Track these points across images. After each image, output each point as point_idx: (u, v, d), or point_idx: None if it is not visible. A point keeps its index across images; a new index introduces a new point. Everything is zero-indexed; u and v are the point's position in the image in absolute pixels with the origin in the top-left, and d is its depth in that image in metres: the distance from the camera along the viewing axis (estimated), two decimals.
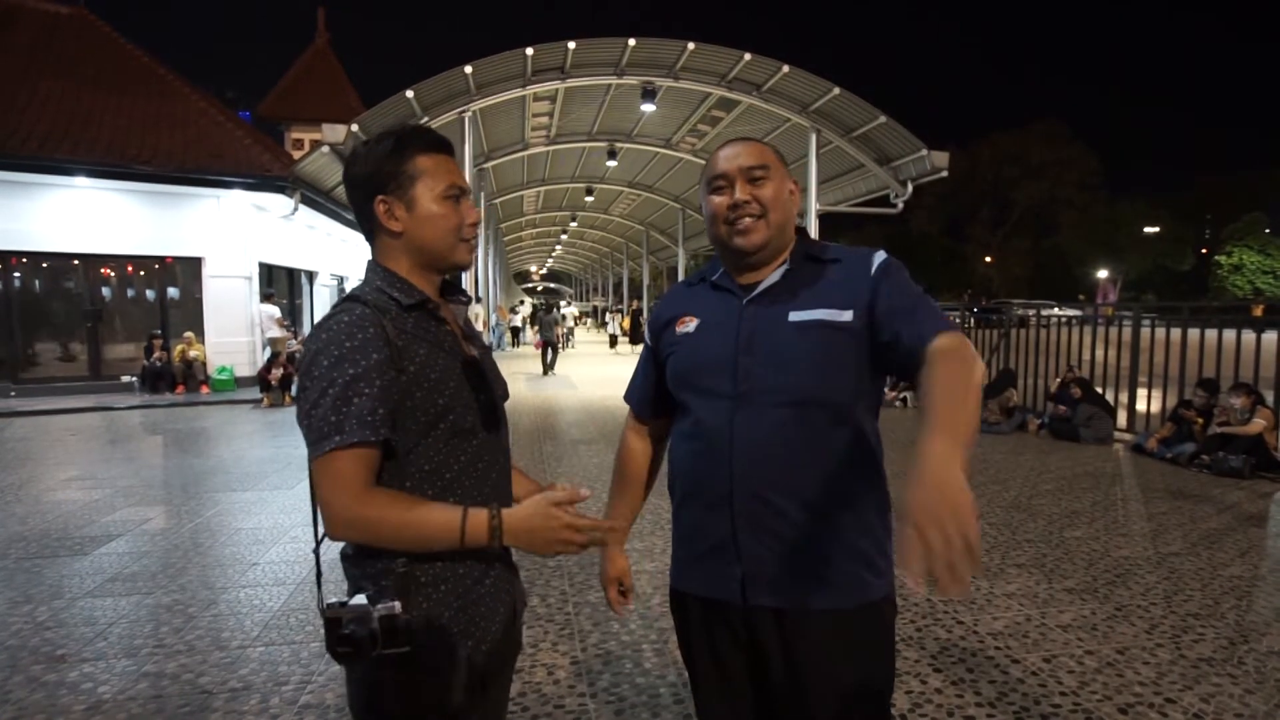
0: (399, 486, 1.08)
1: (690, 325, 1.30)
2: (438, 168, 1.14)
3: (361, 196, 1.14)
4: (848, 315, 1.18)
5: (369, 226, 1.16)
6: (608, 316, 21.16)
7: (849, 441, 1.19)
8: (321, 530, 1.09)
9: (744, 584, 1.20)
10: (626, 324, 21.95)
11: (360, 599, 1.01)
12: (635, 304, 22.28)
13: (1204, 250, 43.28)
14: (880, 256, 1.24)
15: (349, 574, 1.12)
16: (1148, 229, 40.76)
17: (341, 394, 1.01)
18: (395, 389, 1.04)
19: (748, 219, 1.24)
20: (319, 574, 1.17)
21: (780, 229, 1.26)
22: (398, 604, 1.01)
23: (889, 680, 1.23)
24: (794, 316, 1.21)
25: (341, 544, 1.11)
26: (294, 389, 8.74)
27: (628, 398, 1.50)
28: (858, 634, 1.18)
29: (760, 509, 1.18)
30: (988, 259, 49.29)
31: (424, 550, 1.05)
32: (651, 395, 1.42)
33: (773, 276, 1.26)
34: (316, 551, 1.16)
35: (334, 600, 1.03)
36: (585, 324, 39.13)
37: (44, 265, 11.09)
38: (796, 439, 1.17)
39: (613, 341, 22.50)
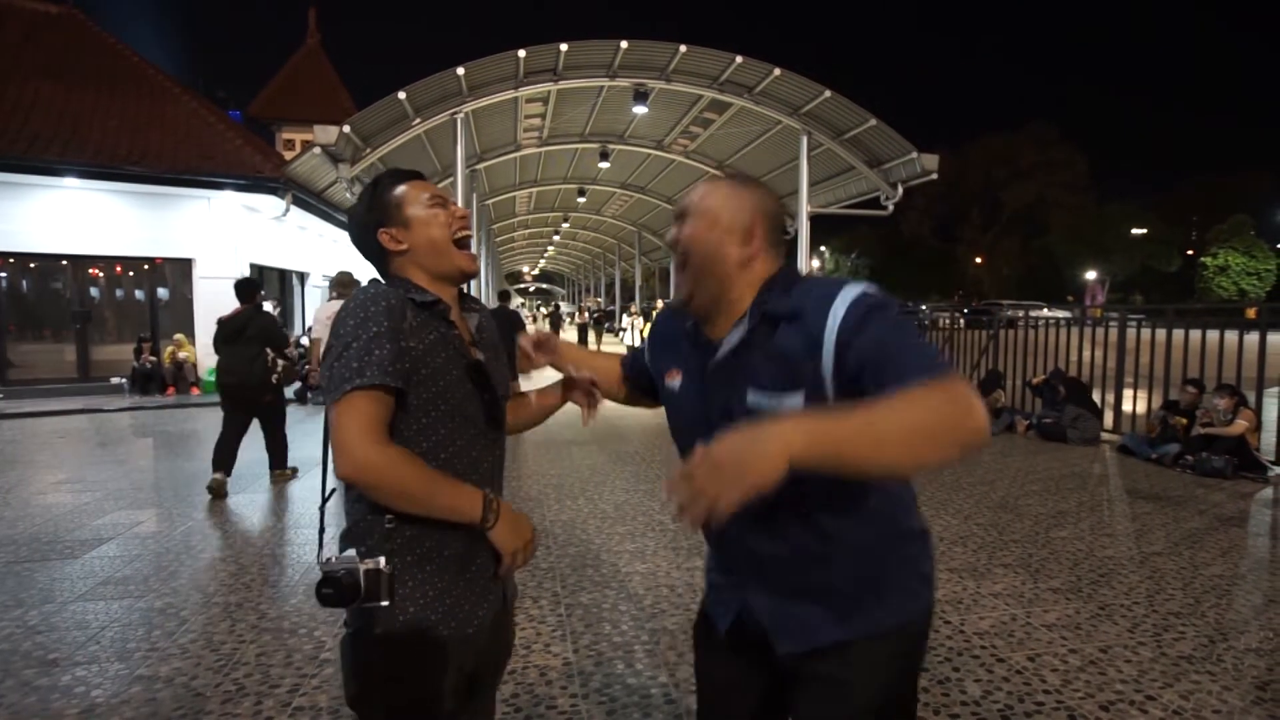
0: None
1: (675, 381, 1.23)
2: (414, 190, 1.29)
3: (369, 236, 1.28)
4: (797, 399, 1.02)
5: (380, 257, 1.29)
6: (625, 319, 16.53)
7: (835, 490, 1.07)
8: (330, 485, 1.23)
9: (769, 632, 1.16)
10: (649, 331, 18.99)
11: (351, 553, 1.13)
12: (661, 307, 19.61)
13: (1190, 252, 43.69)
14: (843, 304, 1.00)
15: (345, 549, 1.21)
16: (1135, 230, 41.12)
17: (365, 346, 1.11)
18: (408, 356, 1.15)
19: (675, 266, 1.16)
20: (321, 529, 1.27)
21: (702, 279, 1.10)
22: (383, 559, 1.12)
23: None
24: (751, 398, 1.07)
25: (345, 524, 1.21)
26: (289, 391, 8.71)
27: (626, 357, 1.50)
28: (842, 673, 1.19)
29: (761, 570, 1.17)
30: (978, 260, 49.62)
31: (420, 511, 1.13)
32: (643, 380, 1.41)
33: (731, 338, 1.10)
34: (322, 509, 1.27)
35: (330, 556, 1.14)
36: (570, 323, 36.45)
37: (32, 266, 11.02)
38: (785, 500, 0.95)
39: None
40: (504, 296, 11.60)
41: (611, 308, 28.53)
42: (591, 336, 21.35)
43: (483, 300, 18.71)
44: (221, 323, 5.33)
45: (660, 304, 15.43)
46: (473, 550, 1.22)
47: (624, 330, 15.30)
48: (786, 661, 1.15)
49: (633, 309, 15.47)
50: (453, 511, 1.15)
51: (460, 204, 12.11)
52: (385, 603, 1.11)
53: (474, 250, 1.35)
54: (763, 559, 1.15)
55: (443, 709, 1.18)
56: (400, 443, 1.15)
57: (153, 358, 10.90)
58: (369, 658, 1.16)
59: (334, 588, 1.08)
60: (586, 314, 22.02)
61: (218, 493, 5.07)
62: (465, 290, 1.38)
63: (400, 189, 1.29)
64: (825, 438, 0.82)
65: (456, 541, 1.20)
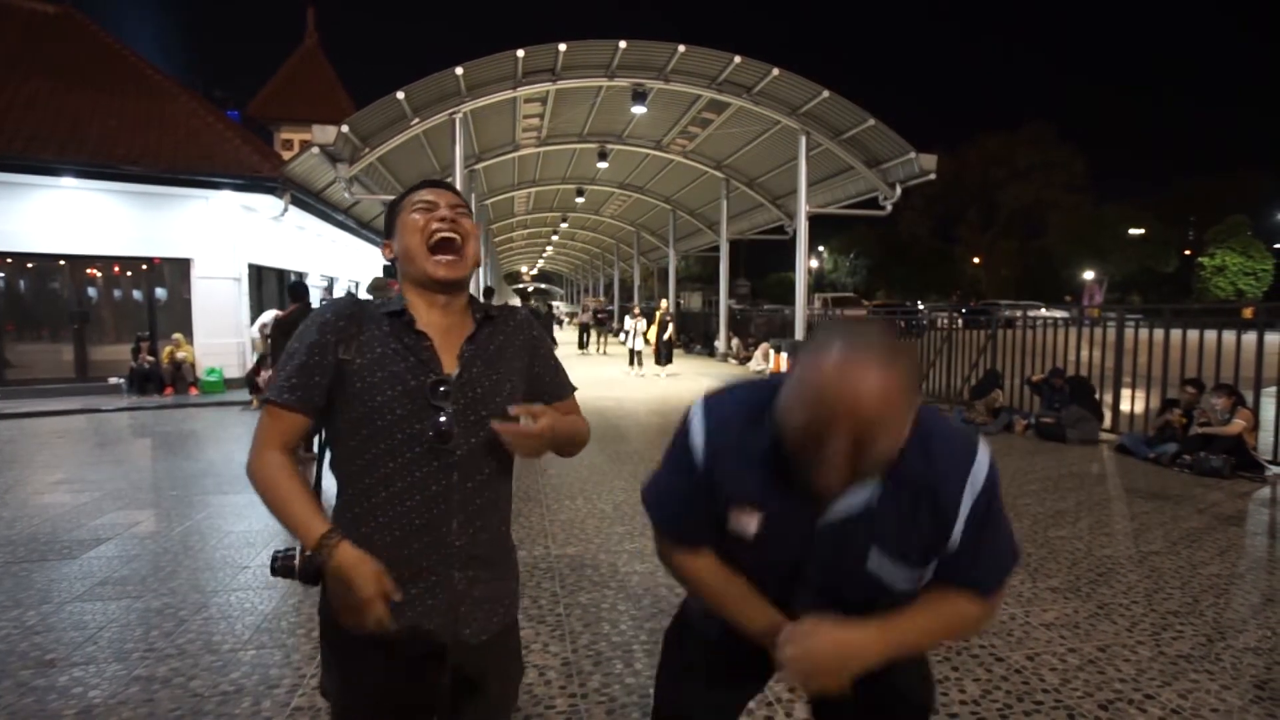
0: (339, 469, 1.24)
1: (750, 523, 1.05)
2: (413, 197, 1.28)
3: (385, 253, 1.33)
4: (929, 572, 1.05)
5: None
6: (627, 321, 14.80)
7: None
8: (313, 476, 1.28)
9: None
10: (653, 334, 14.43)
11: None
12: (664, 306, 15.34)
13: (1188, 252, 43.75)
14: (975, 483, 1.01)
15: None
16: (1133, 231, 41.17)
17: (283, 362, 1.21)
18: (324, 370, 1.18)
19: (829, 460, 0.91)
20: None
21: (875, 468, 0.96)
22: (303, 552, 1.18)
23: None
24: (874, 562, 1.02)
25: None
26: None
27: (673, 529, 1.15)
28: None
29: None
30: (976, 260, 49.66)
31: (279, 522, 1.17)
32: (705, 524, 1.11)
33: (853, 499, 1.00)
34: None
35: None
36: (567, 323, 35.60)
37: (30, 266, 10.99)
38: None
39: (633, 360, 14.22)
40: (489, 294, 11.60)
41: (610, 307, 28.44)
42: (593, 336, 21.17)
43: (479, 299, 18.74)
44: (279, 321, 6.50)
45: (663, 304, 15.16)
46: (408, 551, 1.20)
47: (626, 333, 14.83)
48: None
49: (636, 310, 15.23)
50: (295, 535, 1.15)
51: None
52: (317, 586, 1.18)
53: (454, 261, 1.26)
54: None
55: (371, 698, 1.22)
56: (338, 457, 1.21)
57: (151, 358, 10.88)
58: (324, 653, 1.27)
59: (272, 566, 1.18)
60: (590, 314, 21.72)
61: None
62: (479, 297, 1.37)
63: (405, 198, 1.29)
64: (899, 648, 1.02)
65: (386, 535, 1.19)
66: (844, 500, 1.00)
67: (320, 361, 1.18)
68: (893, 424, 0.92)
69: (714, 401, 1.10)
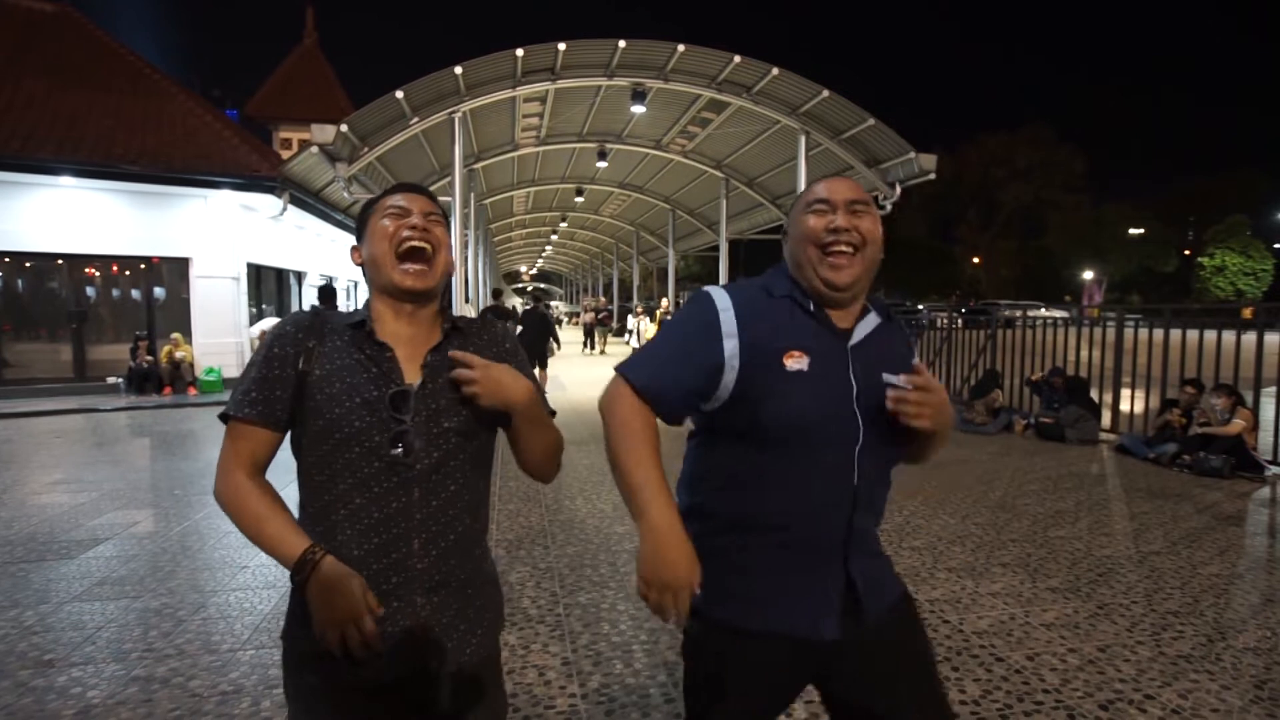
0: (302, 486, 1.19)
1: (801, 363, 1.20)
2: (385, 201, 1.24)
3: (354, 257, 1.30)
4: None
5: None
6: (630, 319, 15.29)
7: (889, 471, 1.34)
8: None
9: (844, 614, 1.25)
10: (654, 333, 15.69)
11: None
12: (665, 305, 15.10)
13: (1187, 252, 43.79)
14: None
15: None
16: (1132, 231, 41.20)
17: (242, 377, 1.19)
18: (285, 383, 1.15)
19: (844, 248, 1.21)
20: None
21: (870, 269, 1.25)
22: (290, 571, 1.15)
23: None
24: (887, 378, 1.22)
25: None
26: None
27: (636, 374, 1.22)
28: (913, 611, 1.36)
29: (864, 541, 1.28)
30: (975, 260, 49.67)
31: (255, 544, 1.15)
32: (691, 402, 1.25)
33: (865, 326, 1.27)
34: None
35: None
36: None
37: (27, 265, 10.98)
38: (887, 485, 1.31)
39: None
40: (497, 295, 11.59)
41: (610, 307, 28.41)
42: (596, 337, 21.16)
43: (482, 300, 18.42)
44: None
45: (664, 303, 15.05)
46: (367, 573, 1.13)
47: (630, 333, 14.67)
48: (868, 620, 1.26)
49: (639, 310, 15.16)
50: (274, 555, 1.12)
51: (457, 204, 12.10)
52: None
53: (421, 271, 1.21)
54: (864, 555, 1.29)
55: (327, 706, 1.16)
56: (303, 468, 1.18)
57: (149, 357, 10.87)
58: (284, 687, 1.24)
59: None
60: (592, 314, 21.66)
61: None
62: (447, 307, 1.29)
63: (377, 202, 1.24)
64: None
65: (345, 555, 1.12)
66: (859, 328, 1.26)
67: (280, 374, 1.15)
68: (873, 212, 1.25)
69: (722, 288, 1.28)
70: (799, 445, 1.19)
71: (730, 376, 1.20)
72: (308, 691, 1.17)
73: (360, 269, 1.27)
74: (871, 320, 1.28)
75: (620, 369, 1.24)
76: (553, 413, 1.30)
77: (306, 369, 1.15)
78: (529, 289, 53.53)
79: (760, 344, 1.20)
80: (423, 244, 1.19)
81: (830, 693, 1.31)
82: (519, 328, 11.34)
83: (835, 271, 1.21)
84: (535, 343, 11.39)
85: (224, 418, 1.17)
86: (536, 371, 11.26)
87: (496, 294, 11.51)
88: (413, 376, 1.17)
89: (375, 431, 1.13)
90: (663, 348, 1.26)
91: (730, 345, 1.20)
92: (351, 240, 1.34)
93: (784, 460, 1.20)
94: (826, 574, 1.23)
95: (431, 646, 1.17)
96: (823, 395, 1.20)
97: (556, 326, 13.10)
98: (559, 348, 14.15)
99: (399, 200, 1.21)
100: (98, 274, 11.37)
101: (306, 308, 1.35)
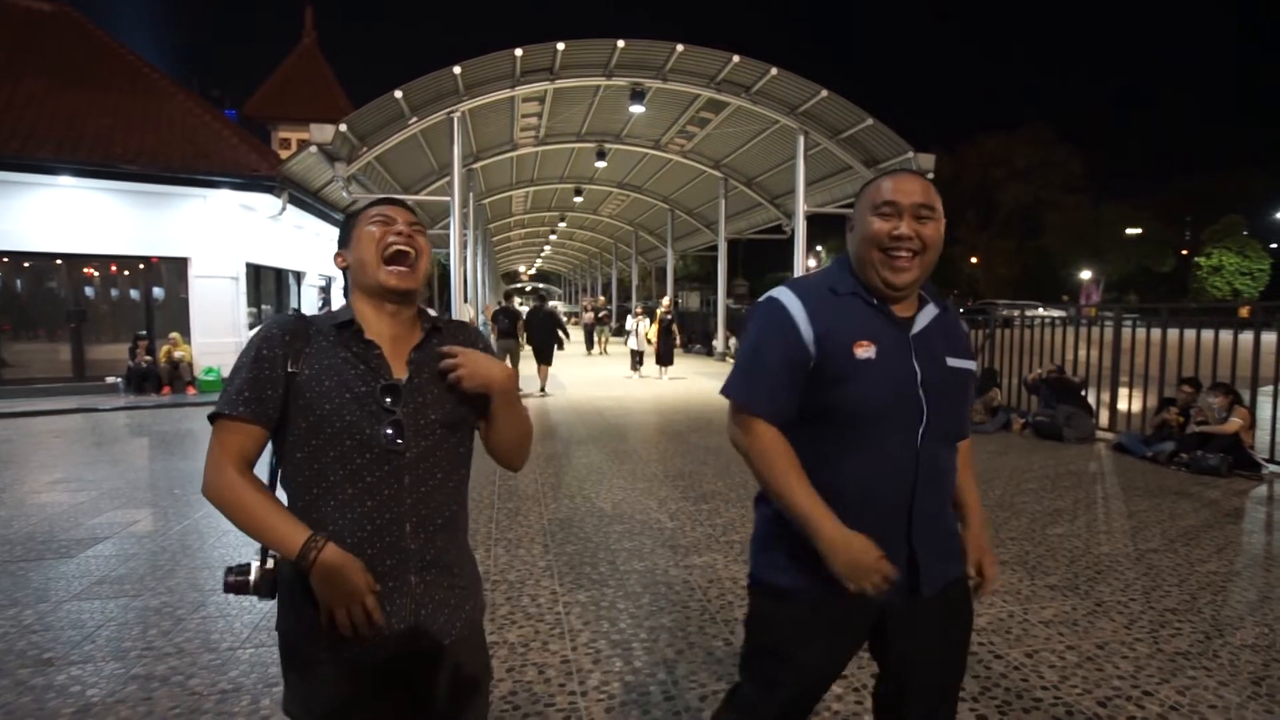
0: (288, 484, 1.23)
1: (870, 351, 1.31)
2: (370, 210, 1.31)
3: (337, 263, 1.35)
4: (973, 366, 1.43)
5: (345, 283, 1.32)
6: (630, 321, 14.55)
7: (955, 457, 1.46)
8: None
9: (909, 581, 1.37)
10: (654, 334, 13.64)
11: (255, 560, 1.25)
12: (665, 305, 14.37)
13: (1184, 252, 43.84)
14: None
15: None
16: (1130, 231, 41.24)
17: (231, 377, 1.23)
18: (275, 383, 1.19)
19: (905, 253, 1.31)
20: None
21: (928, 270, 1.35)
22: (270, 560, 1.23)
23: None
24: (950, 362, 1.37)
25: None
26: None
27: (757, 404, 1.35)
28: (965, 593, 1.49)
29: (928, 518, 1.37)
30: (974, 260, 49.69)
31: (254, 537, 1.17)
32: (794, 404, 1.35)
33: (925, 316, 1.38)
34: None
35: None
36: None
37: (26, 265, 10.97)
38: (952, 464, 1.42)
39: (637, 361, 13.76)
40: (509, 297, 11.60)
41: (609, 307, 28.40)
42: (597, 337, 21.16)
43: (484, 300, 18.40)
44: None
45: (664, 303, 15.00)
46: (363, 557, 1.18)
47: (630, 333, 14.55)
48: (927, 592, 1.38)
49: (639, 310, 15.14)
50: (275, 546, 1.16)
51: (456, 203, 12.09)
52: (272, 600, 1.24)
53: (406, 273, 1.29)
54: (929, 535, 1.39)
55: (334, 715, 1.21)
56: (289, 466, 1.21)
57: (148, 357, 10.86)
58: (281, 663, 1.27)
59: (224, 585, 1.23)
60: (592, 314, 21.62)
61: None
62: (426, 308, 1.38)
63: (363, 212, 1.33)
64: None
65: (339, 543, 1.17)
66: (919, 318, 1.37)
67: (270, 375, 1.19)
68: (937, 218, 1.33)
69: (791, 292, 1.39)
70: (867, 427, 1.31)
71: (810, 365, 1.33)
72: (306, 673, 1.23)
73: (343, 273, 1.34)
74: (930, 310, 1.39)
75: (738, 399, 1.38)
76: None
77: (295, 370, 1.20)
78: (529, 289, 53.50)
79: (833, 335, 1.32)
80: (408, 248, 1.28)
81: (873, 648, 1.48)
82: (527, 329, 11.33)
83: (896, 274, 1.31)
84: (543, 343, 11.40)
85: (214, 417, 1.21)
86: (540, 368, 11.29)
87: (508, 296, 11.55)
88: (399, 372, 1.25)
89: (366, 424, 1.19)
90: (761, 365, 1.36)
91: (809, 336, 1.33)
92: None
93: (854, 441, 1.33)
94: (890, 545, 1.31)
95: (428, 620, 1.26)
96: (889, 380, 1.31)
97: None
98: (569, 338, 14.05)
99: (385, 210, 1.31)
100: (97, 274, 11.36)
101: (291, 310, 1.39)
